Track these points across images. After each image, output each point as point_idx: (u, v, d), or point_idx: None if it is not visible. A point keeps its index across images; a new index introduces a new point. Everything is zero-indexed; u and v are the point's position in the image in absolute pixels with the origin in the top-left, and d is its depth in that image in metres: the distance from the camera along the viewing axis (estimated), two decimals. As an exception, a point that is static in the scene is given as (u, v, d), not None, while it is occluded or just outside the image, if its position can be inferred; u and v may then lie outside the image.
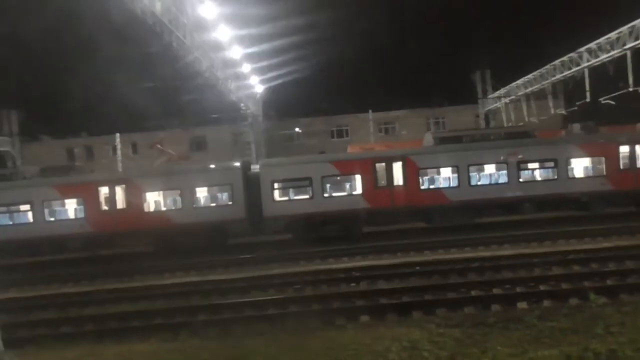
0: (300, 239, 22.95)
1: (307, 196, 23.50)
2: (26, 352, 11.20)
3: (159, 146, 33.26)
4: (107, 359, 10.44)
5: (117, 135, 42.55)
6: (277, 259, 19.90)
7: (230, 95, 36.95)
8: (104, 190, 23.67)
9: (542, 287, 12.96)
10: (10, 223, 23.73)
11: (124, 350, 10.75)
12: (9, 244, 22.61)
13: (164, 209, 23.76)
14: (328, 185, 23.62)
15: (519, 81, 37.43)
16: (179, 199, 23.58)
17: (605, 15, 27.68)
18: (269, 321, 11.94)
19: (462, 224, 23.11)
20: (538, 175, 23.87)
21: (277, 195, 23.62)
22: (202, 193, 23.87)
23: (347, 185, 23.74)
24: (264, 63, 36.24)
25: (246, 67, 35.59)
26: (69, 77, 45.76)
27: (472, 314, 11.42)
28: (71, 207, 23.75)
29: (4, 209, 23.76)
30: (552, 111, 34.90)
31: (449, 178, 23.63)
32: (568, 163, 23.56)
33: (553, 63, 31.88)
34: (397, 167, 23.54)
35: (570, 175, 23.59)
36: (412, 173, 23.47)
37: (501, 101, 41.55)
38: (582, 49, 28.45)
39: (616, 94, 27.67)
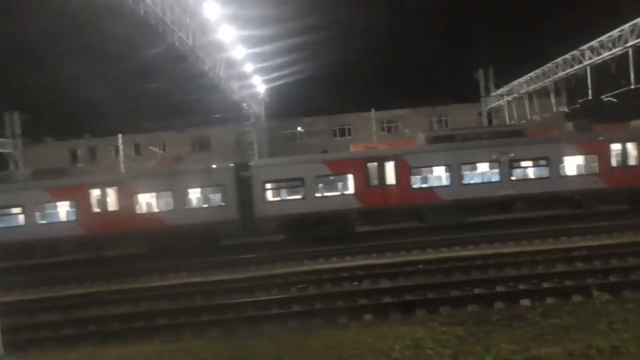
0: (293, 240, 22.96)
1: (299, 196, 23.51)
2: (28, 354, 11.28)
3: (151, 147, 33.32)
4: None
5: (120, 136, 42.60)
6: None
7: (233, 95, 36.97)
8: (95, 193, 23.69)
9: (544, 285, 13.00)
10: (2, 226, 23.71)
11: (126, 352, 10.81)
12: (0, 247, 22.44)
13: (156, 210, 23.77)
14: (320, 185, 23.62)
15: (522, 79, 37.35)
16: (171, 200, 23.57)
17: (607, 13, 27.72)
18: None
19: (455, 222, 23.02)
20: (530, 173, 23.87)
21: (269, 195, 23.63)
22: (194, 194, 23.86)
23: (340, 185, 23.73)
24: (267, 63, 36.27)
25: (249, 67, 35.61)
26: (71, 78, 45.87)
27: (476, 312, 11.44)
28: (63, 210, 23.81)
29: None
30: (555, 109, 34.82)
31: (441, 177, 23.65)
32: (560, 161, 23.56)
33: (555, 61, 31.80)
34: (390, 167, 23.54)
35: (562, 173, 23.59)
36: (404, 172, 23.48)
37: (504, 99, 41.48)
38: (585, 46, 28.38)
39: (618, 91, 27.58)
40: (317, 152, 36.15)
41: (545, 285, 13.01)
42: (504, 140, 24.09)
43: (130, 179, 24.43)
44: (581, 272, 13.92)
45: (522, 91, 37.68)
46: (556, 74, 32.07)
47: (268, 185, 23.56)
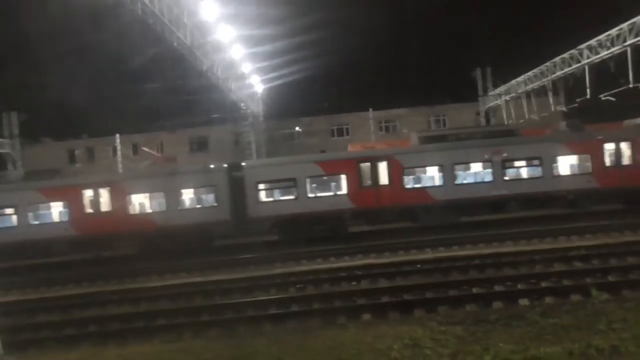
0: (286, 240, 22.92)
1: (292, 197, 23.45)
2: (28, 354, 11.26)
3: (145, 149, 33.27)
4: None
5: (117, 136, 42.55)
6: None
7: (231, 95, 36.97)
8: (88, 193, 23.62)
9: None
10: None
11: (126, 352, 10.79)
12: None
13: (148, 211, 23.71)
14: (313, 186, 23.56)
15: (520, 78, 37.38)
16: (163, 201, 23.51)
17: (605, 12, 27.71)
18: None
19: (448, 223, 22.92)
20: (523, 173, 23.83)
21: (262, 196, 23.57)
22: (186, 195, 23.80)
23: (332, 186, 23.66)
24: (265, 63, 36.28)
25: (247, 67, 35.61)
26: (69, 78, 45.79)
27: (474, 311, 11.43)
28: (55, 211, 23.74)
29: None
30: (553, 108, 34.86)
31: (434, 177, 23.62)
32: (553, 161, 23.52)
33: (553, 60, 31.82)
34: (382, 167, 23.51)
35: (555, 173, 23.54)
36: (397, 173, 23.45)
37: (502, 98, 41.52)
38: (583, 45, 28.40)
39: (617, 90, 27.61)
40: (315, 151, 36.18)
41: (543, 284, 13.00)
42: (496, 140, 24.07)
43: (122, 180, 24.37)
44: (580, 271, 13.92)
45: (520, 90, 37.73)
46: (554, 73, 32.10)
47: (261, 186, 23.52)
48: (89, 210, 23.55)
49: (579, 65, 29.24)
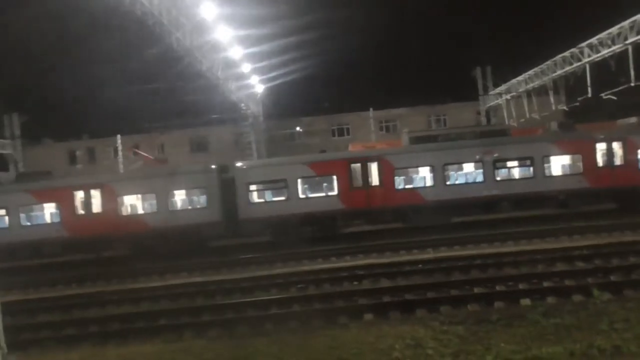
0: (277, 241, 22.84)
1: (282, 198, 23.41)
2: (30, 354, 11.25)
3: (137, 151, 33.22)
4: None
5: (118, 136, 42.57)
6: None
7: (231, 96, 36.95)
8: (79, 195, 23.59)
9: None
10: None
11: (126, 352, 10.77)
12: None
13: (139, 212, 23.68)
14: (304, 187, 23.49)
15: (520, 77, 37.31)
16: (154, 202, 23.48)
17: (606, 10, 27.60)
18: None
19: (439, 223, 22.74)
20: (514, 173, 23.76)
21: (252, 197, 23.52)
22: (177, 196, 23.75)
23: (323, 187, 23.60)
24: (265, 63, 36.24)
25: (246, 67, 35.58)
26: (70, 79, 45.84)
27: (476, 311, 11.41)
28: (47, 212, 23.73)
29: None
30: (554, 107, 34.80)
31: (425, 178, 23.54)
32: (544, 161, 23.43)
33: (554, 59, 31.74)
34: (373, 168, 23.45)
35: (547, 173, 23.45)
36: (387, 173, 23.38)
37: (502, 98, 41.47)
38: (583, 44, 28.33)
39: (618, 89, 27.55)
40: (315, 151, 36.12)
41: (545, 284, 12.97)
42: (487, 141, 24.02)
43: (113, 181, 24.28)
44: (581, 271, 13.87)
45: (520, 89, 37.66)
46: (555, 72, 32.03)
47: (251, 187, 23.48)
48: (81, 211, 23.53)
49: (579, 63, 29.17)
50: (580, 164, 23.49)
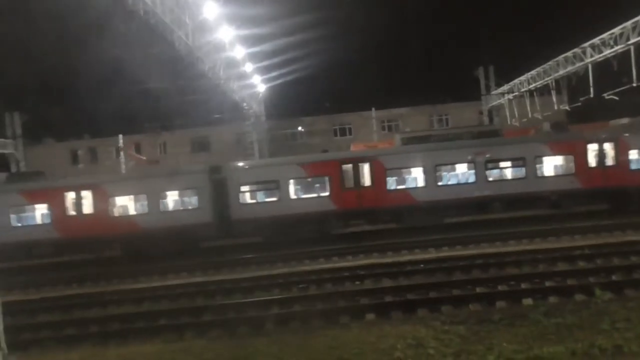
0: (270, 242, 22.78)
1: (274, 198, 23.35)
2: (30, 354, 11.25)
3: (131, 152, 33.21)
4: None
5: (120, 136, 42.58)
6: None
7: (232, 95, 36.93)
8: (70, 196, 23.50)
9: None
10: None
11: (126, 352, 10.77)
12: None
13: (131, 213, 23.58)
14: (296, 188, 23.44)
15: (523, 77, 37.25)
16: (145, 203, 23.42)
17: (608, 11, 27.53)
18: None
19: (430, 224, 22.68)
20: (506, 174, 23.69)
21: (244, 198, 23.47)
22: (169, 197, 23.67)
23: (315, 187, 23.51)
24: (266, 62, 36.25)
25: (248, 67, 35.57)
26: (71, 78, 45.84)
27: (477, 311, 11.39)
28: (37, 213, 23.61)
29: None
30: (556, 107, 34.74)
31: (416, 178, 23.48)
32: (536, 162, 23.38)
33: (556, 59, 31.68)
34: (365, 169, 23.41)
35: (538, 174, 23.39)
36: (379, 174, 23.32)
37: (505, 97, 41.41)
38: (586, 44, 28.26)
39: (620, 89, 27.50)
40: (317, 151, 36.14)
41: (547, 284, 12.96)
42: (479, 141, 23.97)
43: (104, 182, 24.21)
44: (583, 271, 13.86)
45: (522, 89, 37.61)
46: (557, 72, 31.96)
47: (243, 188, 23.44)
48: (71, 212, 23.45)
49: (582, 64, 29.11)
50: (573, 165, 23.45)
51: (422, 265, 16.16)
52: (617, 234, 19.19)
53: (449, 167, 23.54)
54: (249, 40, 30.56)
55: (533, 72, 35.34)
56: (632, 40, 24.83)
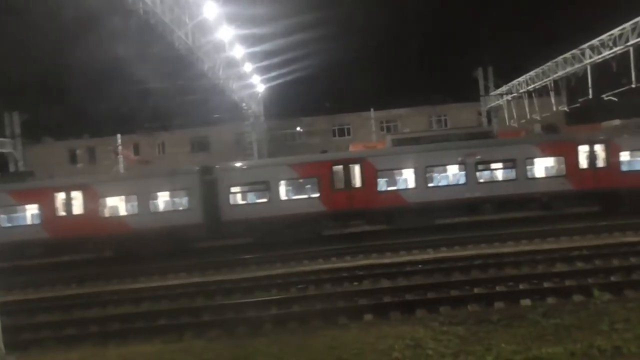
0: (260, 243, 22.74)
1: (265, 200, 23.32)
2: (30, 354, 11.25)
3: (123, 153, 33.18)
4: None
5: (119, 136, 42.54)
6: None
7: (232, 95, 36.92)
8: (60, 196, 23.44)
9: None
10: None
11: (126, 352, 10.78)
12: None
13: (121, 214, 23.53)
14: (286, 189, 23.43)
15: (521, 78, 37.24)
16: (136, 204, 23.38)
17: (607, 11, 27.57)
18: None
19: (421, 225, 22.63)
20: (497, 175, 23.69)
21: (234, 199, 23.46)
22: (159, 198, 23.65)
23: (305, 188, 23.49)
24: (266, 62, 36.25)
25: (248, 67, 35.57)
26: (71, 78, 45.81)
27: (476, 312, 11.41)
28: (27, 213, 23.55)
29: None
30: (555, 108, 34.76)
31: (407, 180, 23.47)
32: (527, 163, 23.38)
33: (555, 60, 31.68)
34: (355, 170, 23.40)
35: (529, 175, 23.39)
36: (370, 175, 23.31)
37: (503, 98, 41.42)
38: (585, 45, 28.27)
39: (619, 90, 27.52)
40: (316, 151, 36.12)
41: (545, 285, 12.98)
42: (469, 143, 23.99)
43: (95, 183, 24.16)
44: (582, 272, 13.88)
45: (521, 90, 37.62)
46: (556, 73, 31.97)
47: (234, 189, 23.41)
48: (61, 213, 23.38)
49: (581, 65, 29.12)
50: (564, 166, 23.45)
51: (420, 266, 16.19)
52: (616, 235, 19.18)
53: (439, 168, 23.54)
54: (248, 40, 30.58)
55: (532, 73, 35.34)
56: (631, 42, 24.85)
